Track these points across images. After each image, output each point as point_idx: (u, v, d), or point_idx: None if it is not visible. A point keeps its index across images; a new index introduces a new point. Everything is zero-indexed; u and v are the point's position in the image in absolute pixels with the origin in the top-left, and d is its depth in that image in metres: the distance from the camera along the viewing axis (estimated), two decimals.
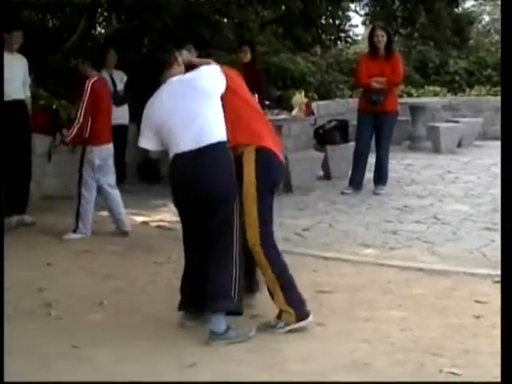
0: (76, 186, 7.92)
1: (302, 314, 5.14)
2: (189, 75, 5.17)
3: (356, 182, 10.26)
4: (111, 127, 8.09)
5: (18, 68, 8.32)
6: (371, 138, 10.20)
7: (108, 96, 8.11)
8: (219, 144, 4.99)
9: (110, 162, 8.02)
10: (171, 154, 5.08)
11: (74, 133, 7.79)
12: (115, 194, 8.03)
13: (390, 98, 10.01)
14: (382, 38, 9.89)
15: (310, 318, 5.16)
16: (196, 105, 5.01)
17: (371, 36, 10.10)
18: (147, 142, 5.21)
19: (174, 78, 5.15)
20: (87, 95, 7.94)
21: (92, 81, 7.87)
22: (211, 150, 4.96)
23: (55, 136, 8.73)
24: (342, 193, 10.15)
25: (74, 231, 7.83)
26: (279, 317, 5.14)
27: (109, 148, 7.96)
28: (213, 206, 4.97)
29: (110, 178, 8.02)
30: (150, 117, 5.15)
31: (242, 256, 5.07)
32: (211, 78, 5.12)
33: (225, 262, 5.01)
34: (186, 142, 4.96)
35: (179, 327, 5.21)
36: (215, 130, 5.00)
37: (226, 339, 4.91)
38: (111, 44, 12.04)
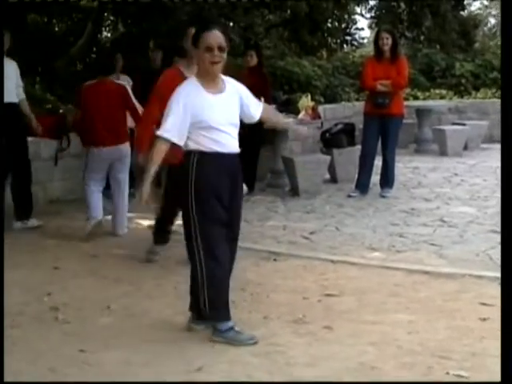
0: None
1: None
2: (239, 85, 5.14)
3: (362, 185, 10.26)
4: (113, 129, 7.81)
5: (8, 71, 8.10)
6: (377, 140, 10.19)
7: (106, 99, 7.74)
8: None
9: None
10: (200, 148, 4.91)
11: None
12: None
13: (396, 100, 10.00)
14: (386, 41, 9.89)
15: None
16: (235, 112, 5.03)
17: (376, 39, 10.14)
18: (174, 134, 4.85)
19: (223, 78, 5.07)
20: (76, 101, 7.95)
21: (83, 86, 7.87)
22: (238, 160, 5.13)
23: (62, 140, 8.77)
24: (349, 196, 10.15)
25: (87, 220, 7.89)
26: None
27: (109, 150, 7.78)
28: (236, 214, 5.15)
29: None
30: (181, 104, 4.85)
31: None
32: (252, 103, 5.19)
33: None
34: (226, 142, 4.95)
35: (187, 331, 5.22)
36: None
37: (226, 338, 4.96)
38: (117, 48, 12.07)
